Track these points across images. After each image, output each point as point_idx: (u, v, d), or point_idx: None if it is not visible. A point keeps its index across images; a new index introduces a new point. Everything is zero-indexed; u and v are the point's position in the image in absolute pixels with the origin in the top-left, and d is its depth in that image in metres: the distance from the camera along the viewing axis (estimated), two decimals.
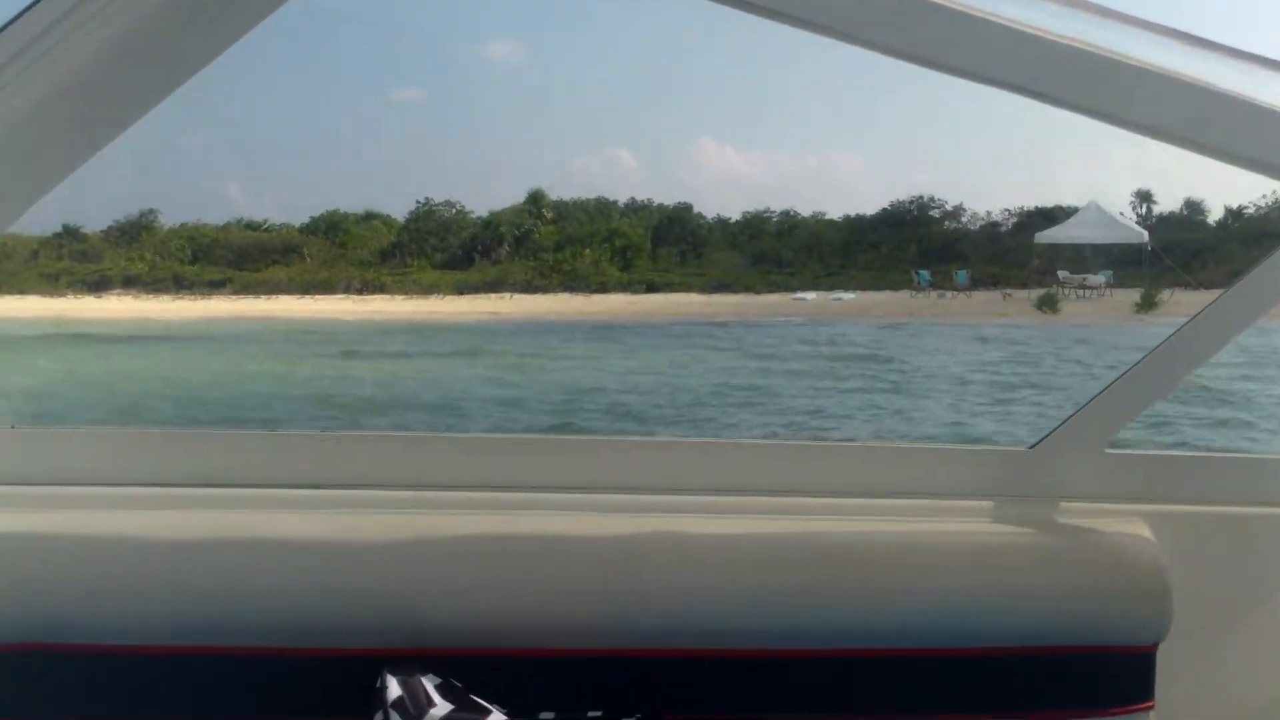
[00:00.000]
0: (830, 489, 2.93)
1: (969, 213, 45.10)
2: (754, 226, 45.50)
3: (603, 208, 46.17)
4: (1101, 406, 2.92)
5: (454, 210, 45.90)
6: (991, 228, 44.76)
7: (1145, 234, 40.36)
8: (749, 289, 42.65)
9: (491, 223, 45.24)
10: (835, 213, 46.08)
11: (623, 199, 44.61)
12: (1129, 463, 2.99)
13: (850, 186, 52.56)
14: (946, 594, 2.65)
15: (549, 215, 45.68)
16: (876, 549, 2.71)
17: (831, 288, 43.07)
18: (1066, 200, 44.04)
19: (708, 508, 2.87)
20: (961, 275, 42.71)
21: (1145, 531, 2.76)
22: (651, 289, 42.49)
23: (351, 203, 45.57)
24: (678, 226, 44.86)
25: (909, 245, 43.72)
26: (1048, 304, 39.66)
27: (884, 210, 45.64)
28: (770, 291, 42.46)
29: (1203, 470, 3.03)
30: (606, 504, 2.87)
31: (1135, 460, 3.02)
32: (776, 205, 45.87)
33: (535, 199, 46.26)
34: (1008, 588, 2.65)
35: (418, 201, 45.14)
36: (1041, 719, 2.63)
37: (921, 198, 45.16)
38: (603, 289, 42.73)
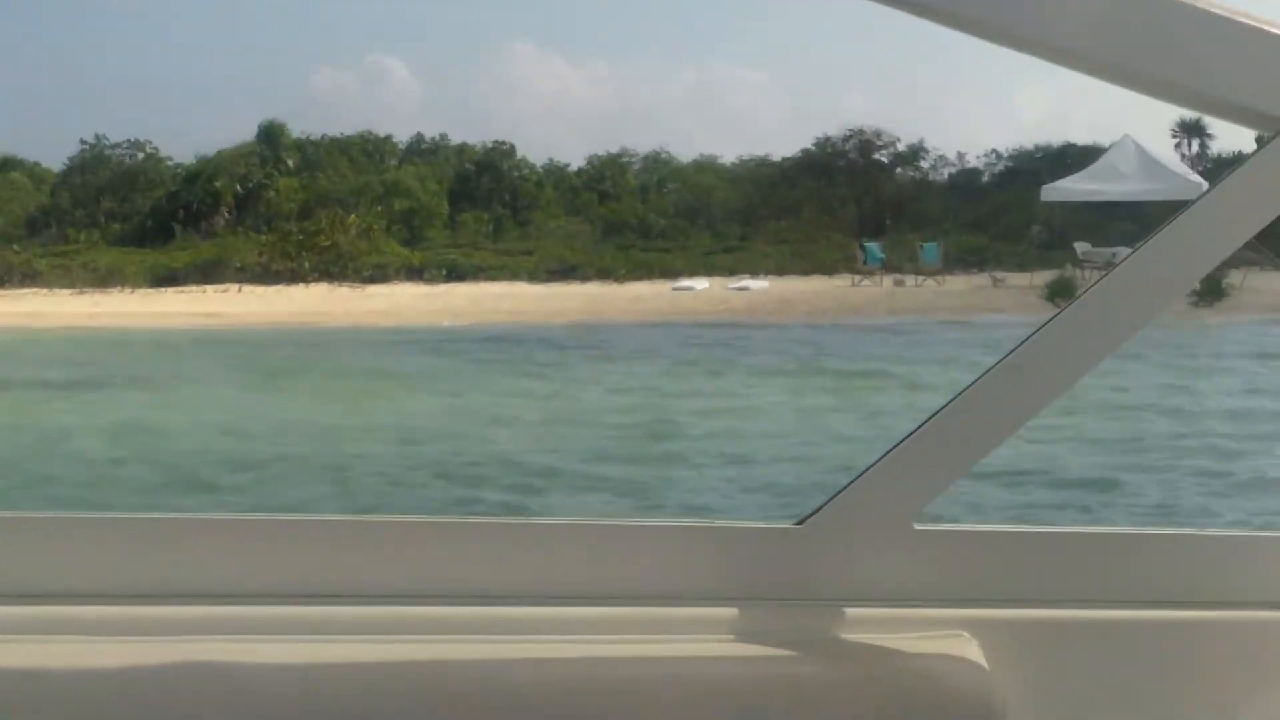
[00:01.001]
0: (504, 590, 2.36)
1: (932, 154, 37.81)
2: (605, 178, 36.83)
3: (372, 149, 37.42)
4: (908, 461, 2.28)
5: (142, 155, 37.13)
6: (968, 177, 36.89)
7: (1204, 184, 30.11)
8: (605, 275, 33.40)
9: (202, 173, 36.33)
10: (728, 155, 37.86)
11: (403, 136, 37.48)
12: (947, 545, 2.32)
13: (750, 117, 42.12)
14: None
15: (291, 162, 36.58)
16: (575, 689, 2.21)
17: (732, 271, 33.90)
18: (1081, 136, 37.40)
19: (268, 624, 2.33)
20: (930, 249, 32.84)
21: (972, 652, 2.22)
22: (456, 276, 33.47)
23: None
24: (489, 178, 36.32)
25: (845, 205, 35.91)
26: (1062, 293, 29.76)
27: (805, 153, 37.35)
28: (638, 278, 33.16)
29: (1044, 551, 2.36)
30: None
31: (955, 540, 2.34)
32: (639, 145, 37.59)
33: (270, 136, 36.82)
34: None
35: (83, 143, 36.93)
36: None
37: (862, 132, 36.97)
38: (381, 277, 33.38)
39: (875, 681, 2.14)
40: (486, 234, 34.55)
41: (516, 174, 36.01)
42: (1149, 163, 32.62)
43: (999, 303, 30.62)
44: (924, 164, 36.92)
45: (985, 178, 35.51)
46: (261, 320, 32.05)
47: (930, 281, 31.76)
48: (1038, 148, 35.65)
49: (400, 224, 34.34)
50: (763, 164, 36.82)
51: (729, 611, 2.21)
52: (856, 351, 25.44)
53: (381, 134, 36.60)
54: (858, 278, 32.16)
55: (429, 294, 32.33)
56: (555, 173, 36.33)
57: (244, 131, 36.34)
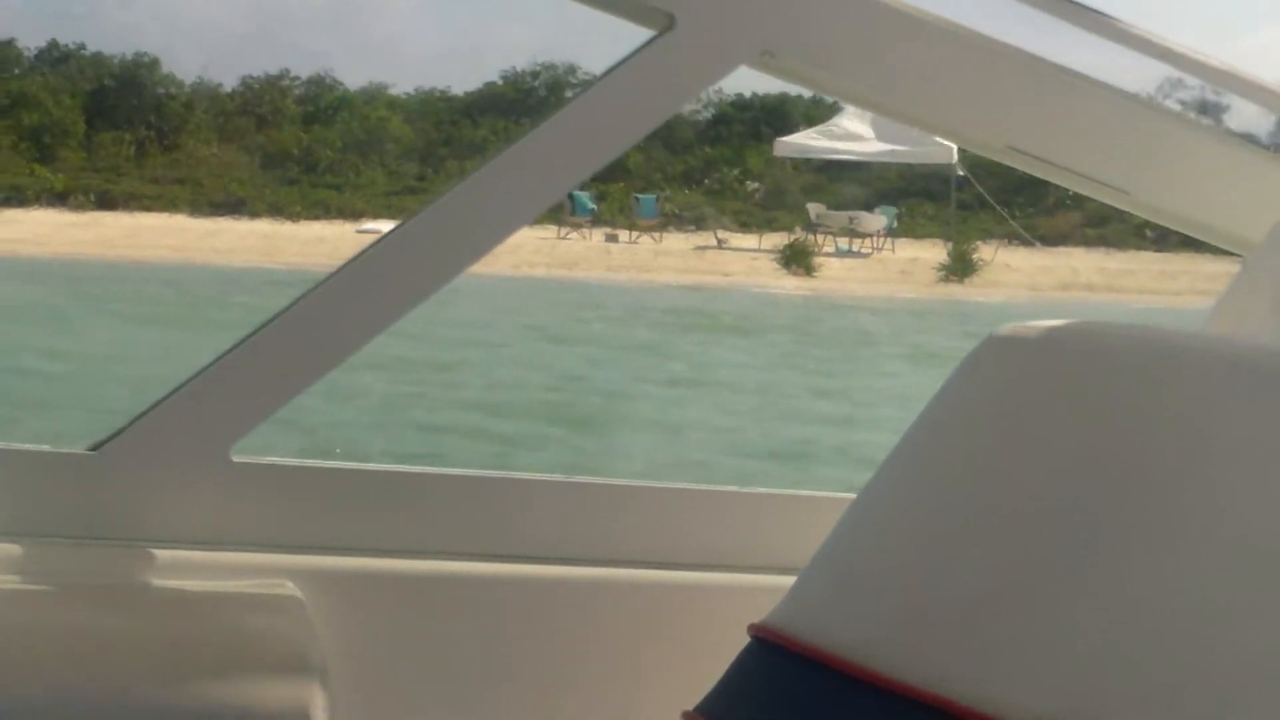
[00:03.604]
0: None
1: None
2: (264, 102, 32.85)
3: None
4: (223, 385, 2.23)
5: None
6: (673, 126, 32.20)
7: (954, 150, 27.59)
8: (276, 212, 29.88)
9: None
10: (404, 86, 34.84)
11: (31, 44, 32.59)
12: (271, 480, 2.30)
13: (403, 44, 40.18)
14: None
15: None
16: None
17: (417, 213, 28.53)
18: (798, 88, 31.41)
19: None
20: (647, 203, 30.09)
21: (293, 603, 2.16)
22: (106, 204, 29.38)
23: None
24: (131, 95, 31.88)
25: None
26: (797, 259, 27.77)
27: (489, 86, 34.38)
28: (314, 217, 29.75)
29: (380, 493, 2.34)
30: None
31: (281, 476, 2.31)
32: (300, 68, 33.72)
33: None
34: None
35: None
36: None
37: (554, 67, 34.22)
38: (18, 200, 29.10)
39: (183, 632, 2.05)
40: (128, 158, 30.53)
41: (162, 91, 31.95)
42: (896, 123, 29.69)
43: (727, 265, 28.07)
44: None
45: (691, 128, 33.08)
46: None
47: (645, 238, 29.04)
48: (756, 96, 33.30)
49: (29, 142, 29.97)
50: (441, 97, 33.63)
51: (11, 548, 2.08)
52: None
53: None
54: (564, 229, 29.19)
55: (75, 223, 28.22)
56: (207, 92, 32.33)
57: None
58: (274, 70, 32.90)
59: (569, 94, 32.00)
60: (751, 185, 31.47)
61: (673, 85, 2.14)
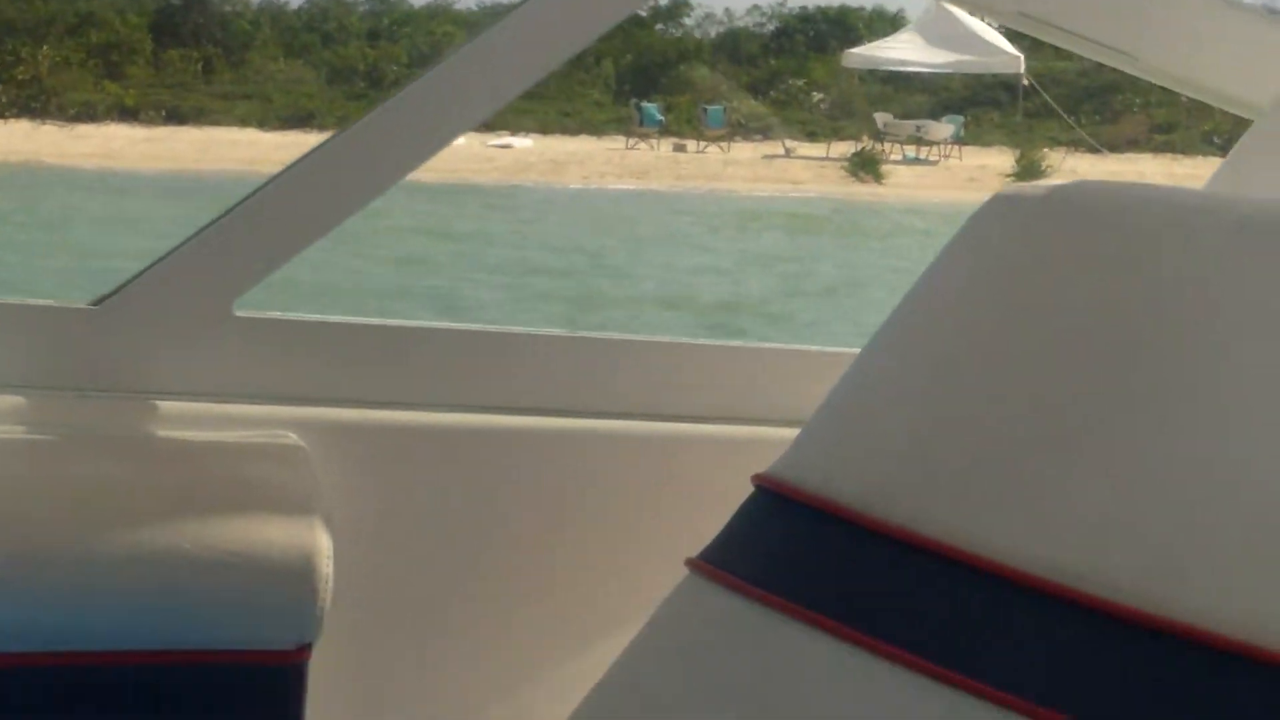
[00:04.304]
0: None
1: (696, 10, 34.68)
2: (330, 18, 33.18)
3: None
4: (224, 241, 2.26)
5: None
6: (737, 38, 33.90)
7: (1021, 59, 29.12)
8: (346, 124, 26.38)
9: None
10: (468, 2, 34.71)
11: None
12: (273, 334, 2.32)
13: None
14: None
15: None
16: None
17: (489, 127, 29.44)
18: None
19: None
20: (715, 114, 30.01)
21: (298, 452, 2.19)
22: (175, 119, 29.39)
23: None
24: (197, 13, 32.34)
25: (601, 62, 32.60)
26: (866, 167, 27.78)
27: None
28: None
29: (381, 346, 2.39)
30: None
31: (283, 330, 2.33)
32: None
33: None
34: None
35: None
36: None
37: None
38: (89, 116, 29.18)
39: (187, 479, 2.05)
40: (196, 74, 30.51)
41: (229, 8, 32.11)
42: (964, 33, 29.55)
43: (796, 174, 27.90)
44: (687, 21, 33.96)
45: (755, 40, 33.15)
46: None
47: (714, 148, 28.93)
48: (818, 8, 33.33)
49: (98, 59, 30.02)
50: (500, 10, 32.94)
51: (16, 400, 2.10)
52: None
53: None
54: (632, 140, 29.31)
55: (149, 138, 28.05)
56: (272, 10, 32.45)
57: None
58: None
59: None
60: (817, 96, 31.36)
61: None
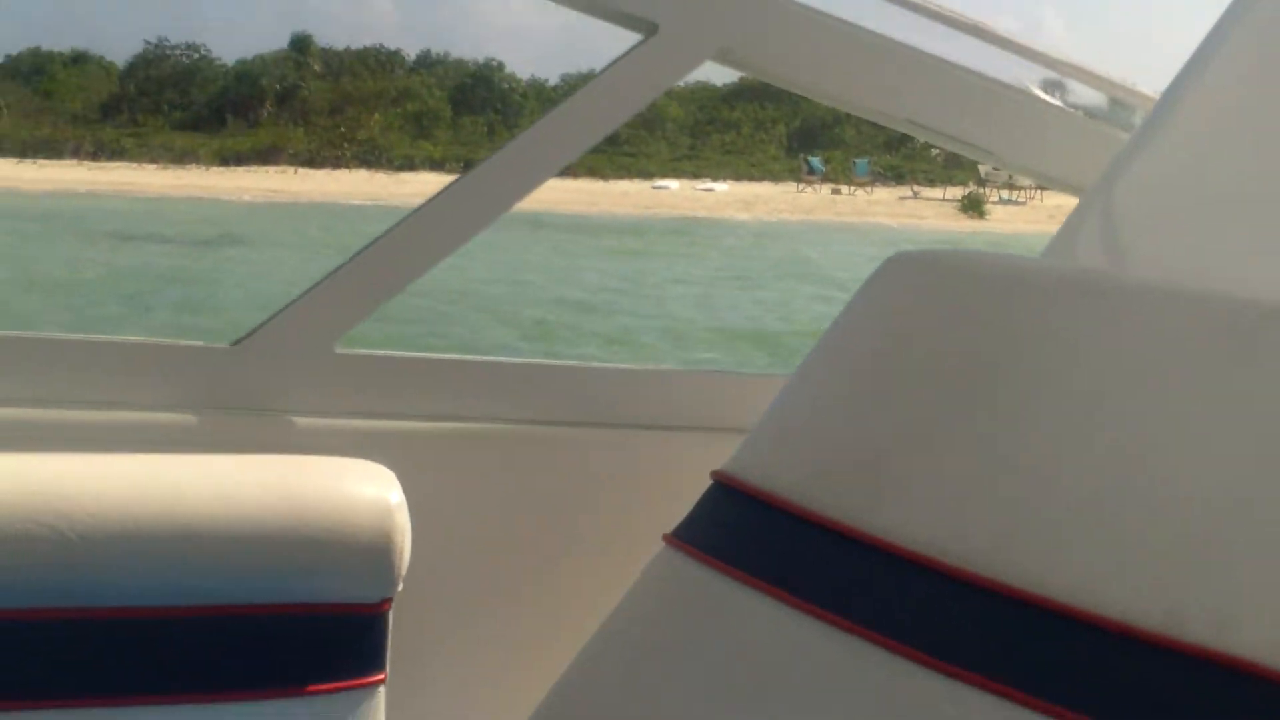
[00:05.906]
0: None
1: None
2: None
3: (385, 59, 41.09)
4: (329, 295, 2.33)
5: (196, 55, 40.64)
6: None
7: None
8: (594, 173, 36.78)
9: (246, 74, 39.84)
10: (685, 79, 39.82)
11: (410, 50, 40.99)
12: (365, 367, 2.39)
13: None
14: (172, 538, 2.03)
15: (317, 67, 40.33)
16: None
17: (694, 175, 37.50)
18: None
19: None
20: (861, 165, 37.50)
21: (380, 466, 2.21)
22: (470, 168, 34.52)
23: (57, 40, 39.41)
24: (483, 89, 40.54)
25: (776, 125, 39.91)
26: (973, 207, 34.83)
27: (740, 81, 39.10)
28: (619, 176, 36.83)
29: (442, 375, 2.43)
30: None
31: (373, 364, 2.40)
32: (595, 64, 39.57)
33: (301, 45, 40.78)
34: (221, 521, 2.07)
35: (147, 42, 40.14)
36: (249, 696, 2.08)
37: None
38: (409, 166, 36.87)
39: (295, 479, 2.18)
40: (483, 135, 38.26)
41: (506, 86, 40.04)
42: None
43: (922, 211, 34.30)
44: None
45: None
46: (318, 195, 32.57)
47: (860, 192, 36.24)
48: None
49: (411, 124, 37.95)
50: (705, 87, 41.34)
51: (171, 416, 2.28)
52: None
53: (389, 47, 40.36)
54: (801, 185, 36.61)
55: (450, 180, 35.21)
56: (537, 86, 40.40)
57: (274, 39, 40.40)
58: (585, 69, 39.03)
59: None
60: (934, 151, 36.87)
61: (652, 78, 2.25)
